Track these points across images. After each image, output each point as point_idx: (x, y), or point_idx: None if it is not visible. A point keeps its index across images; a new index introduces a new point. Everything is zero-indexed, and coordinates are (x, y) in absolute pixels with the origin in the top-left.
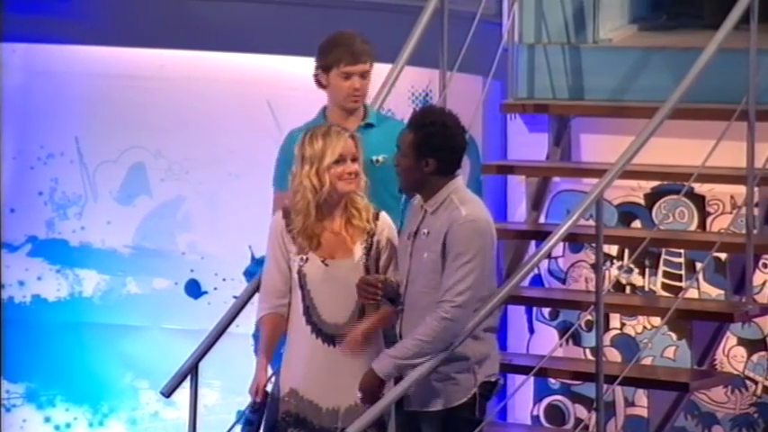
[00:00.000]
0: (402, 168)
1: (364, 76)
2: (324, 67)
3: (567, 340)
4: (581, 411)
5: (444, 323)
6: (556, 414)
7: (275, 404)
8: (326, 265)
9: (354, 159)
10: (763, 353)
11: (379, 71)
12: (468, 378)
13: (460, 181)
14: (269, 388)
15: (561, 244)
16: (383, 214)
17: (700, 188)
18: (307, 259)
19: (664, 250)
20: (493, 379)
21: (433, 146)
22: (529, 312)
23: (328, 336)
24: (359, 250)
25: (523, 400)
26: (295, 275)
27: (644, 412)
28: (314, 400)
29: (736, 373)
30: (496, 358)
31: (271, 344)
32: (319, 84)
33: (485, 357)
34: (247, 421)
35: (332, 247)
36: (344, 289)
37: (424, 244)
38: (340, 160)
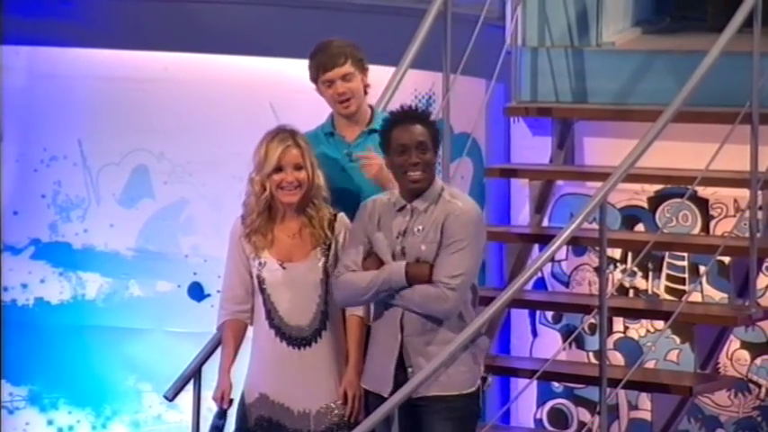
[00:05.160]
0: (429, 163)
1: (347, 78)
2: (313, 81)
3: (570, 343)
4: (584, 415)
5: (440, 300)
6: (559, 417)
7: (244, 410)
8: (284, 268)
9: (299, 168)
10: (766, 356)
11: (383, 74)
12: (474, 369)
13: (438, 178)
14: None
15: (564, 247)
16: (341, 215)
17: (703, 191)
18: (265, 263)
19: (667, 254)
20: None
21: (438, 136)
22: (532, 315)
23: (292, 338)
24: (317, 252)
25: (526, 404)
26: (255, 280)
27: (647, 416)
28: (285, 403)
29: (739, 376)
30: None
31: (232, 349)
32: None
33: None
34: (215, 427)
35: (289, 251)
36: (304, 291)
37: (418, 240)
38: (278, 169)
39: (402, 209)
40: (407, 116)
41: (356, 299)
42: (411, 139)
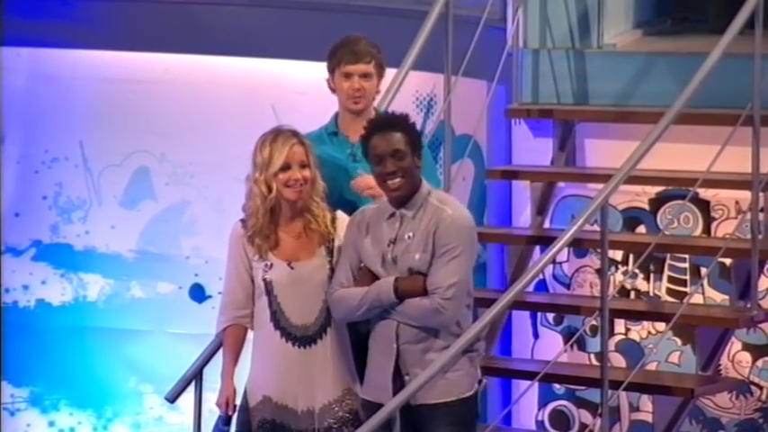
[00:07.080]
0: (407, 170)
1: (366, 76)
2: (330, 70)
3: (571, 345)
4: (586, 416)
5: (435, 313)
6: (560, 419)
7: (247, 414)
8: (292, 267)
9: (304, 166)
10: (767, 358)
11: (385, 76)
12: (471, 372)
13: (425, 182)
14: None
15: (566, 249)
16: (339, 213)
17: (704, 193)
18: (271, 265)
19: (669, 255)
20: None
21: (418, 140)
22: (533, 317)
23: (298, 338)
24: (322, 251)
25: (528, 406)
26: (260, 283)
27: (649, 417)
28: (289, 404)
29: (741, 378)
30: None
31: (234, 355)
32: (331, 88)
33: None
34: None
35: (294, 251)
36: (311, 289)
37: (410, 247)
38: (285, 167)
39: (391, 216)
40: (383, 124)
41: (351, 315)
42: (386, 147)
